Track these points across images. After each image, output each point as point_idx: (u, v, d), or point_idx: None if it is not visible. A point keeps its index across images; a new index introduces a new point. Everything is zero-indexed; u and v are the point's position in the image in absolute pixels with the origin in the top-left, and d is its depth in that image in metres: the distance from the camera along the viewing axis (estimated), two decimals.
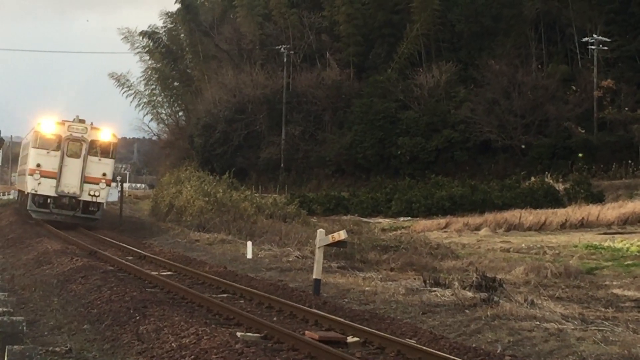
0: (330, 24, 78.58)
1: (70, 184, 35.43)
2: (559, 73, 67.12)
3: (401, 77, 71.99)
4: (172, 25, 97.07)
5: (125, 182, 76.27)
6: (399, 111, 69.79)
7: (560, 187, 55.09)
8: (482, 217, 44.34)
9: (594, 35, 65.49)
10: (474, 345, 12.89)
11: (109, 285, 17.03)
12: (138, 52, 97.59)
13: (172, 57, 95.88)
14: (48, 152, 35.55)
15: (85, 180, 35.51)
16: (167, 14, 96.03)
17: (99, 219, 36.83)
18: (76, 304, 15.82)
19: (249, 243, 27.54)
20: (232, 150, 75.80)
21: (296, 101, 75.83)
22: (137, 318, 13.45)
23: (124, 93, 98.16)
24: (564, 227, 41.62)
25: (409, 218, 50.16)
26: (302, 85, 75.97)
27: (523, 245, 33.48)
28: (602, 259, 28.53)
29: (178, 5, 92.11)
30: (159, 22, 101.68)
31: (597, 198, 51.16)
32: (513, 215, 43.49)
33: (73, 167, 35.47)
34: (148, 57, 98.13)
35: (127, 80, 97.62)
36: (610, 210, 43.44)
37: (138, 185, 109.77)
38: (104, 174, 35.99)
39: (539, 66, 69.31)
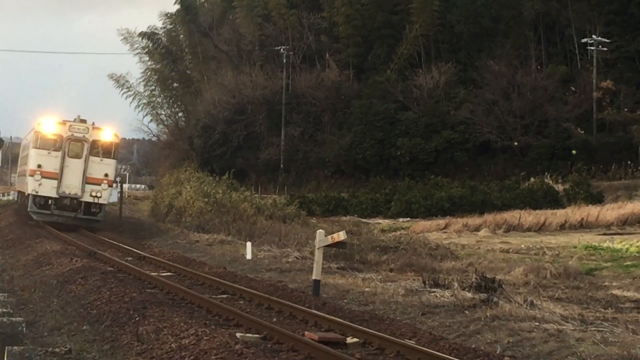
0: (330, 25, 78.61)
1: (72, 184, 34.98)
2: (558, 74, 67.14)
3: (400, 78, 72.01)
4: (172, 26, 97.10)
5: (125, 182, 76.33)
6: (399, 112, 69.82)
7: (559, 187, 55.14)
8: (481, 217, 44.37)
9: (593, 36, 65.52)
10: (473, 346, 12.89)
11: (109, 286, 17.02)
12: (137, 53, 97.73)
13: (171, 58, 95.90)
14: (49, 153, 35.06)
15: (86, 181, 35.03)
16: (166, 14, 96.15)
17: (101, 220, 36.37)
18: (76, 304, 15.82)
19: (249, 244, 27.54)
20: (232, 151, 75.80)
21: (296, 102, 75.84)
22: (137, 319, 13.45)
23: (123, 94, 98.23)
24: (563, 227, 41.65)
25: (409, 219, 50.17)
26: (301, 86, 75.99)
27: (522, 246, 33.50)
28: (602, 259, 28.54)
29: (177, 6, 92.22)
30: (158, 23, 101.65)
31: (597, 199, 51.20)
32: (512, 216, 43.52)
33: (74, 167, 35.02)
34: (147, 58, 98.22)
35: (127, 81, 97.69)
36: (610, 211, 43.47)
37: (137, 186, 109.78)
38: (106, 175, 35.47)
39: (539, 67, 69.32)
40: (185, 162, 69.32)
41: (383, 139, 68.62)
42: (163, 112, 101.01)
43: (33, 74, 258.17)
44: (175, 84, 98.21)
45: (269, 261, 25.42)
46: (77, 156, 35.16)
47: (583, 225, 41.82)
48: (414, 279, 21.31)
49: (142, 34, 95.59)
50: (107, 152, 35.89)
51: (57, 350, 11.74)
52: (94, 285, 17.34)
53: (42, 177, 34.81)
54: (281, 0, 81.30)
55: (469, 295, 17.26)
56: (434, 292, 18.33)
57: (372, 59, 76.27)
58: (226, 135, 76.14)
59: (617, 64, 66.60)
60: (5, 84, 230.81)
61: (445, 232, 41.26)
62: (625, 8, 66.41)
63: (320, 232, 18.98)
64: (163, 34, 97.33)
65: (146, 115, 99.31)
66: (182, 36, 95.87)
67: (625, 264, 27.17)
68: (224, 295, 17.62)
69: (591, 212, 43.59)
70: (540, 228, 41.68)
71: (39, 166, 34.95)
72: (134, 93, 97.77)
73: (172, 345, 11.54)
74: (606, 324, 14.88)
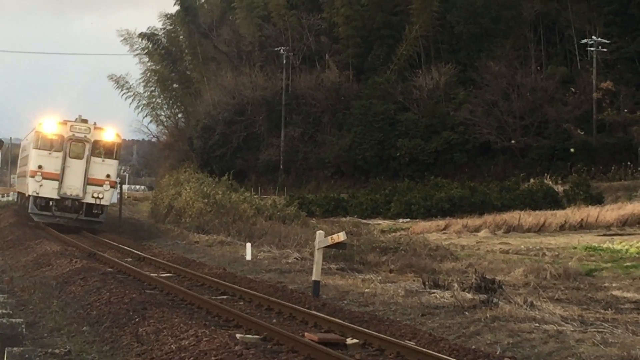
0: (330, 26, 78.62)
1: (73, 185, 34.45)
2: (558, 75, 67.14)
3: (400, 79, 72.01)
4: (172, 27, 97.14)
5: (125, 183, 76.33)
6: (398, 113, 69.82)
7: (559, 188, 55.15)
8: (481, 218, 44.37)
9: (593, 37, 65.49)
10: (473, 346, 12.89)
11: (108, 287, 17.02)
12: (137, 54, 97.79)
13: (171, 59, 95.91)
14: (50, 153, 34.53)
15: (88, 182, 34.49)
16: (166, 15, 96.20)
17: (103, 222, 35.84)
18: (75, 305, 15.81)
19: (248, 245, 27.54)
20: (232, 152, 75.82)
21: (295, 103, 75.85)
22: (137, 320, 13.45)
23: (123, 95, 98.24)
24: (563, 228, 41.66)
25: (408, 219, 50.18)
26: (301, 87, 76.01)
27: (522, 246, 33.50)
28: (602, 260, 28.53)
29: (177, 7, 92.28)
30: (158, 24, 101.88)
31: (596, 200, 51.20)
32: (512, 216, 43.53)
33: (76, 168, 34.48)
34: (147, 59, 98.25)
35: (127, 82, 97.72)
36: (610, 212, 43.48)
37: (137, 186, 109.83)
38: (108, 176, 34.95)
39: (538, 68, 69.31)
40: (184, 163, 69.34)
41: (383, 140, 68.63)
42: (163, 113, 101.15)
43: (33, 75, 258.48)
44: (175, 85, 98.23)
45: (268, 262, 25.41)
46: (79, 157, 34.66)
47: (583, 226, 41.83)
48: (414, 280, 21.31)
49: (142, 35, 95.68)
50: (109, 152, 35.33)
51: (56, 351, 11.73)
52: (93, 286, 17.33)
53: (43, 178, 34.28)
54: (281, 1, 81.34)
55: (469, 296, 17.26)
56: (433, 293, 18.32)
57: (371, 59, 76.28)
58: (226, 136, 76.14)
59: (617, 65, 66.57)
60: (5, 84, 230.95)
61: (445, 233, 41.26)
62: (625, 9, 66.39)
63: (320, 233, 18.98)
64: (163, 35, 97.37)
65: (146, 116, 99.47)
66: (181, 37, 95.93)
67: (625, 264, 27.16)
68: (224, 296, 17.61)
69: (591, 213, 43.59)
70: (540, 229, 41.68)
71: (40, 167, 34.43)
72: (134, 94, 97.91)
73: (172, 346, 11.54)
74: (606, 325, 14.87)
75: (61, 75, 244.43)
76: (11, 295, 16.51)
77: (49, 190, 34.33)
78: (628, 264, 27.26)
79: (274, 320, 14.72)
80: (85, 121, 35.53)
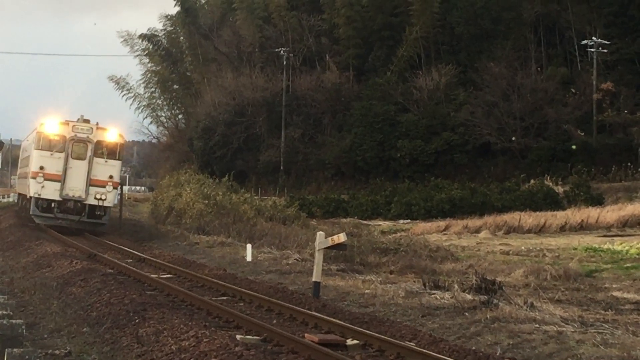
0: (330, 27, 78.67)
1: (76, 187, 33.70)
2: (558, 76, 67.18)
3: (400, 80, 72.06)
4: (172, 28, 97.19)
5: (125, 184, 76.40)
6: (399, 114, 69.86)
7: (559, 189, 55.18)
8: (481, 219, 44.40)
9: (593, 38, 65.54)
10: (473, 347, 12.89)
11: (109, 288, 17.02)
12: (138, 55, 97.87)
13: (171, 60, 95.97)
14: (52, 154, 33.79)
15: (91, 183, 33.76)
16: (166, 16, 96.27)
17: (106, 224, 35.15)
18: (76, 306, 15.81)
19: (249, 246, 27.52)
20: (232, 153, 75.84)
21: (296, 104, 75.89)
22: (137, 321, 13.45)
23: (123, 96, 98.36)
24: (563, 229, 41.67)
25: (409, 220, 50.20)
26: (301, 88, 76.05)
27: (522, 247, 33.51)
28: (602, 261, 28.54)
29: (178, 8, 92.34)
30: (158, 25, 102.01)
31: (597, 201, 51.21)
32: (513, 217, 43.54)
33: (78, 169, 33.75)
34: (147, 60, 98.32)
35: (127, 83, 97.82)
36: (610, 213, 43.49)
37: (137, 188, 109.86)
38: (111, 177, 34.22)
39: (538, 69, 69.36)
40: (185, 164, 69.50)
41: (383, 141, 68.65)
42: (163, 114, 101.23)
43: (33, 76, 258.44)
44: (175, 86, 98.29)
45: (269, 263, 25.41)
46: (81, 157, 33.92)
47: (583, 227, 41.85)
48: (414, 281, 21.31)
49: (142, 36, 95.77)
50: (111, 153, 34.60)
51: (57, 352, 11.74)
52: (94, 288, 17.33)
53: (45, 179, 33.59)
54: (281, 2, 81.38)
55: (469, 297, 17.26)
56: (434, 294, 18.32)
57: (372, 60, 76.32)
58: (226, 137, 76.17)
59: (617, 66, 66.63)
60: (5, 85, 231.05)
61: (445, 234, 41.27)
62: (625, 10, 66.45)
63: (320, 234, 18.98)
64: (163, 36, 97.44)
65: (146, 117, 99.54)
66: (182, 38, 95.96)
67: (625, 265, 27.17)
68: (224, 297, 17.61)
69: (591, 213, 43.61)
70: (541, 230, 41.69)
71: (42, 168, 33.71)
72: (134, 95, 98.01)
73: (172, 347, 11.54)
74: (606, 326, 14.86)
75: (61, 76, 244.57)
76: (11, 296, 16.50)
77: (51, 191, 33.65)
78: (628, 265, 27.27)
79: (274, 321, 14.72)
80: (87, 121, 34.82)
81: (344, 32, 76.51)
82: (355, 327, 13.62)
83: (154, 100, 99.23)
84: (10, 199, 64.38)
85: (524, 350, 12.96)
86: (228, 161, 73.96)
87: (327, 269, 21.98)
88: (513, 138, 64.49)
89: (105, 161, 34.26)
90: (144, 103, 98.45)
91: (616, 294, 20.38)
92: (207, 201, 40.56)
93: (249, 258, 26.30)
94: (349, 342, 12.74)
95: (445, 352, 12.12)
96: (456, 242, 37.13)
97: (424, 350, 11.88)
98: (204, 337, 11.75)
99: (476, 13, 70.18)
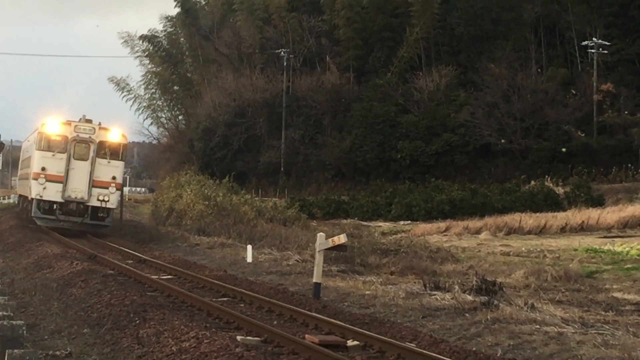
0: (330, 28, 78.68)
1: (78, 188, 33.15)
2: (558, 76, 67.18)
3: (401, 81, 72.06)
4: (172, 29, 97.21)
5: (125, 185, 76.34)
6: (399, 115, 69.85)
7: (560, 190, 55.19)
8: (482, 220, 44.41)
9: (594, 39, 65.55)
10: (474, 348, 12.89)
11: (109, 289, 17.02)
12: (138, 56, 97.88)
13: (172, 61, 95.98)
14: (53, 155, 33.26)
15: (93, 184, 33.20)
16: (167, 17, 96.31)
17: (109, 225, 34.55)
18: (76, 307, 15.81)
19: (249, 247, 27.53)
20: (232, 154, 75.83)
21: (296, 105, 75.89)
22: (137, 322, 13.45)
23: (123, 97, 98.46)
24: (564, 230, 41.68)
25: (409, 222, 50.22)
26: (302, 89, 76.04)
27: (523, 248, 33.52)
28: (602, 262, 28.56)
29: (178, 9, 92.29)
30: (159, 26, 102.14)
31: (597, 202, 51.22)
32: (513, 218, 43.55)
33: (80, 170, 33.20)
34: (148, 61, 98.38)
35: (127, 84, 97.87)
36: (610, 214, 43.50)
37: (138, 189, 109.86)
38: (114, 178, 33.68)
39: (539, 70, 69.35)
40: (185, 165, 69.51)
41: (383, 142, 68.64)
42: (163, 115, 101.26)
43: (33, 77, 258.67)
44: (175, 87, 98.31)
45: (269, 264, 25.41)
46: (83, 158, 33.37)
47: (584, 228, 41.87)
48: (415, 282, 21.31)
49: (143, 37, 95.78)
50: (114, 153, 34.03)
51: (57, 353, 11.74)
52: (94, 289, 17.33)
53: (47, 180, 33.06)
54: (282, 3, 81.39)
55: (470, 298, 17.26)
56: (434, 295, 18.33)
57: (372, 61, 76.31)
58: (226, 139, 76.16)
59: (617, 67, 66.63)
60: (5, 86, 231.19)
61: (445, 235, 41.28)
62: (626, 11, 66.45)
63: (320, 235, 18.98)
64: (163, 37, 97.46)
65: (146, 118, 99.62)
66: (182, 39, 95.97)
67: (625, 266, 27.19)
68: (225, 298, 17.62)
69: (592, 215, 43.62)
70: (541, 231, 41.69)
71: (43, 169, 33.18)
72: (135, 96, 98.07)
73: (173, 348, 11.54)
74: (607, 327, 14.86)
75: (62, 77, 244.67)
76: (12, 297, 16.51)
77: (53, 193, 33.11)
78: (629, 265, 27.29)
79: (275, 322, 14.73)
80: (89, 121, 34.29)
81: (344, 33, 76.52)
82: (356, 328, 13.63)
83: (154, 102, 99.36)
84: (11, 200, 64.40)
85: (525, 351, 12.96)
86: (228, 162, 73.96)
87: (327, 270, 21.99)
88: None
89: (108, 162, 33.70)
90: (144, 104, 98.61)
91: (617, 295, 20.39)
92: (207, 202, 40.56)
93: (249, 259, 26.30)
94: (350, 343, 12.75)
95: (445, 353, 12.13)
96: (456, 243, 37.14)
97: (425, 351, 11.88)
98: (205, 338, 11.76)
99: (476, 14, 70.17)
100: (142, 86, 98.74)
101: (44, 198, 33.29)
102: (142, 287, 18.65)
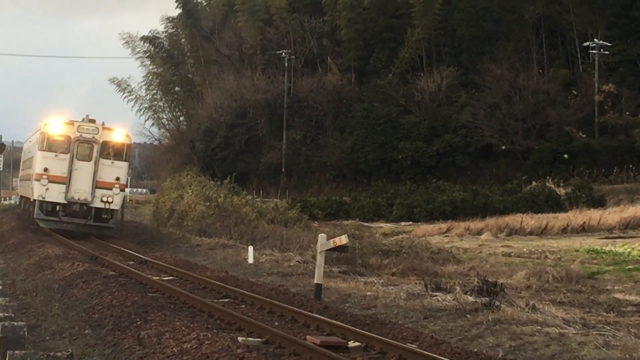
0: (331, 29, 78.70)
1: (81, 189, 32.56)
2: (560, 77, 67.16)
3: (402, 82, 72.07)
4: (173, 30, 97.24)
5: (127, 187, 76.33)
6: (400, 116, 69.86)
7: (561, 191, 55.16)
8: (483, 221, 44.37)
9: (595, 40, 65.54)
10: (475, 349, 12.88)
11: (110, 290, 17.02)
12: (139, 57, 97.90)
13: (173, 62, 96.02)
14: (56, 155, 32.61)
15: (97, 185, 32.62)
16: (168, 18, 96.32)
17: (113, 227, 34.09)
18: (77, 308, 15.82)
19: (250, 248, 27.53)
20: (233, 155, 75.86)
21: (297, 106, 75.93)
22: (139, 323, 13.45)
23: (125, 98, 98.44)
24: (565, 231, 41.64)
25: (410, 223, 50.19)
26: (303, 90, 76.06)
27: (524, 249, 33.49)
28: (604, 263, 28.53)
29: (179, 10, 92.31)
30: (160, 27, 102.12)
31: (599, 202, 51.19)
32: (514, 219, 43.51)
33: (84, 171, 32.61)
34: (149, 62, 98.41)
35: (128, 85, 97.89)
36: (612, 215, 43.46)
37: (139, 190, 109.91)
38: (118, 178, 33.11)
39: (540, 70, 69.32)
40: (186, 166, 69.42)
41: (385, 143, 68.65)
42: (164, 116, 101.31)
43: (34, 78, 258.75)
44: (176, 88, 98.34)
45: (270, 265, 25.41)
46: (87, 159, 32.76)
47: (585, 229, 41.83)
48: (416, 283, 21.30)
49: (144, 38, 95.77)
50: (118, 154, 33.40)
51: (58, 354, 11.72)
52: (95, 290, 17.34)
53: (49, 181, 32.42)
54: (283, 4, 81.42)
55: (471, 299, 17.25)
56: (435, 296, 18.32)
57: (373, 62, 76.32)
58: (228, 139, 76.19)
59: (618, 68, 66.63)
60: (6, 87, 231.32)
61: (447, 236, 41.25)
62: (627, 11, 66.45)
63: (322, 236, 18.98)
64: (165, 38, 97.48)
65: (148, 119, 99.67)
66: (183, 40, 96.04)
67: (627, 267, 27.17)
68: (226, 299, 17.62)
69: (593, 215, 43.58)
70: (542, 232, 41.66)
71: (46, 170, 32.56)
72: (136, 97, 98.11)
73: (174, 349, 11.54)
74: (608, 328, 14.85)
75: (62, 78, 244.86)
76: (13, 298, 16.51)
77: (56, 194, 32.50)
78: (630, 266, 27.27)
79: (276, 323, 14.73)
80: (93, 121, 33.66)
81: (346, 34, 76.54)
82: (357, 329, 13.62)
83: (156, 103, 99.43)
84: (12, 201, 64.40)
85: (526, 352, 12.95)
86: (229, 163, 73.98)
87: (328, 271, 22.00)
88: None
89: (112, 162, 33.11)
90: (146, 105, 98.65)
91: (618, 295, 20.38)
92: (208, 203, 40.58)
93: (250, 260, 26.30)
94: (351, 344, 12.74)
95: (447, 354, 12.12)
96: (458, 244, 37.12)
97: (426, 352, 11.87)
98: (206, 339, 11.76)
99: (478, 15, 70.15)
100: (144, 87, 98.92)
101: (46, 199, 32.77)
102: (144, 288, 18.66)
